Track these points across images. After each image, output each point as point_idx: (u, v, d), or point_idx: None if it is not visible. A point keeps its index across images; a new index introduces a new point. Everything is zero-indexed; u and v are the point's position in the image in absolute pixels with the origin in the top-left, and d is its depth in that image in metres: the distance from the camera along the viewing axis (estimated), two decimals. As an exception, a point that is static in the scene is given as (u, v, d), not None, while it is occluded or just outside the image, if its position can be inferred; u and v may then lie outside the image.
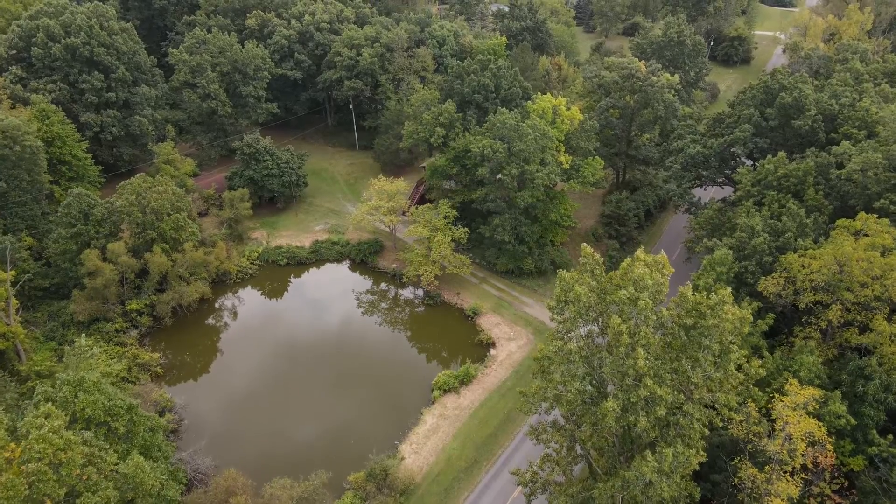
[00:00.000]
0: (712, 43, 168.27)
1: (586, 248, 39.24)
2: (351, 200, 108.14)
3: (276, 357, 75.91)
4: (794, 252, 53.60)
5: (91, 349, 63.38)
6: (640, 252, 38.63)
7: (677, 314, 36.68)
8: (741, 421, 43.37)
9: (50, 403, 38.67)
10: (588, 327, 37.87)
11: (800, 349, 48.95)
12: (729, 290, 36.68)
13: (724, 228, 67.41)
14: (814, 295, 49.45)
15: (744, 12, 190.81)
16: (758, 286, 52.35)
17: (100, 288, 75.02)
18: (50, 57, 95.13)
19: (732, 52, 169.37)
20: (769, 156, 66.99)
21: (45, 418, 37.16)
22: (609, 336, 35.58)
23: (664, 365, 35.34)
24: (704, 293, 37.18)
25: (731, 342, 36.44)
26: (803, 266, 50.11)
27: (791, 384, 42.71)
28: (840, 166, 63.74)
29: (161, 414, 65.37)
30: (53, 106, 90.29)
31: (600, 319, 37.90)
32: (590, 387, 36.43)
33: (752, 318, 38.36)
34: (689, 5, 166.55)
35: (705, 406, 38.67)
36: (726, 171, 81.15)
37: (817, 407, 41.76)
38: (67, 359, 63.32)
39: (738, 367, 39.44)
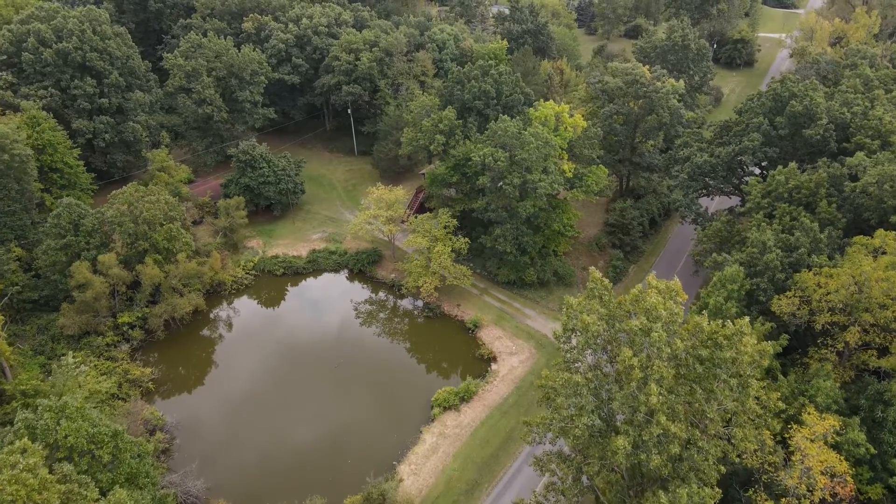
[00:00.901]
0: (715, 45, 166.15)
1: (594, 272, 37.09)
2: (349, 208, 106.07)
3: (271, 372, 73.80)
4: (809, 269, 51.47)
5: (78, 367, 61.31)
6: (651, 277, 36.47)
7: (692, 344, 34.51)
8: (755, 450, 41.26)
9: (26, 439, 36.52)
10: (596, 356, 35.69)
11: (816, 372, 46.85)
12: (747, 319, 34.56)
13: (732, 241, 65.33)
14: (830, 316, 47.35)
15: (747, 14, 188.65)
16: (771, 305, 50.22)
17: (90, 301, 72.90)
18: (41, 62, 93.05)
19: (736, 55, 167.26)
20: (779, 166, 64.87)
21: (21, 454, 35.08)
22: (619, 368, 33.42)
23: (678, 398, 33.22)
24: (720, 322, 34.99)
25: (749, 375, 34.29)
26: (819, 286, 48.00)
27: (809, 413, 40.59)
28: (854, 178, 61.63)
29: (152, 433, 63.35)
30: (44, 112, 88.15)
31: (609, 347, 35.75)
32: (598, 420, 34.30)
33: (771, 351, 36.16)
34: (692, 8, 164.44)
35: (720, 438, 36.59)
36: (734, 181, 79.08)
37: (838, 439, 39.63)
38: (54, 377, 61.43)
39: (756, 399, 37.34)
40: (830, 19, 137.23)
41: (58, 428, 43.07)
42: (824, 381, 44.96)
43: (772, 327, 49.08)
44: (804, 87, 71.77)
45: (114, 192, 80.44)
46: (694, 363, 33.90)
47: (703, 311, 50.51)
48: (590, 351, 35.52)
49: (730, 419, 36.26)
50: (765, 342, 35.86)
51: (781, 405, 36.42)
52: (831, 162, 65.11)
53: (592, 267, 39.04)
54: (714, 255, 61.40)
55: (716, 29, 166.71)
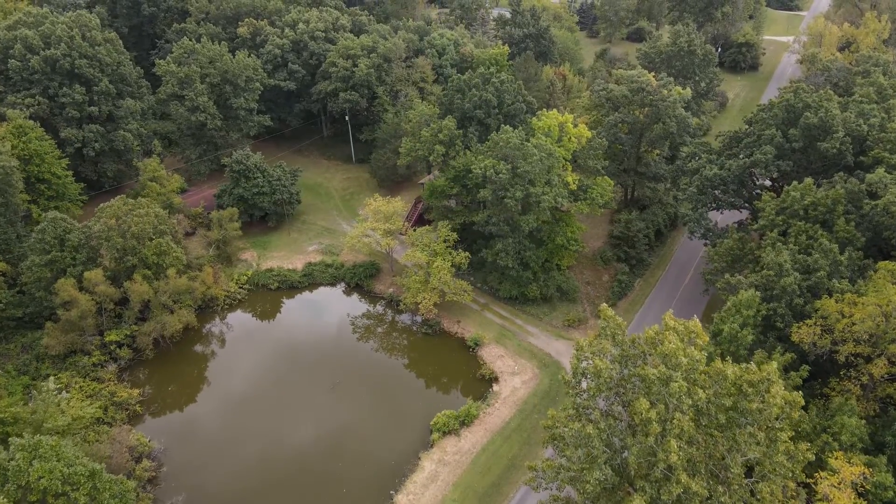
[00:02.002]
0: (719, 49, 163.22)
1: (606, 309, 34.27)
2: (346, 218, 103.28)
3: (264, 393, 70.98)
4: (830, 295, 48.66)
5: (60, 393, 58.52)
6: (668, 316, 33.63)
7: (714, 392, 31.63)
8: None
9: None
10: (609, 402, 32.83)
11: (839, 407, 43.99)
12: (774, 365, 31.74)
13: (745, 260, 62.51)
14: (854, 346, 44.54)
15: (751, 17, 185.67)
16: (790, 334, 47.38)
17: (75, 320, 70.09)
18: (28, 69, 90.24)
19: (740, 59, 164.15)
20: (794, 182, 62.04)
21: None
22: (634, 419, 30.56)
23: (698, 450, 30.39)
24: (744, 365, 32.14)
25: (778, 428, 31.44)
26: (842, 314, 45.16)
27: (836, 457, 37.76)
28: (872, 195, 58.80)
29: (138, 460, 60.63)
30: (31, 122, 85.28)
31: (621, 390, 32.91)
32: (610, 471, 31.50)
33: (802, 402, 33.19)
34: (696, 11, 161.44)
35: (742, 489, 33.74)
36: (744, 193, 76.18)
37: (869, 488, 36.80)
38: (35, 403, 58.51)
39: (785, 453, 34.46)
40: (839, 24, 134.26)
41: (30, 469, 40.35)
42: (849, 417, 42.13)
43: (792, 358, 46.22)
44: (818, 97, 68.94)
45: (101, 205, 77.73)
46: (716, 412, 31.09)
47: (717, 338, 47.93)
48: (602, 398, 32.69)
49: (752, 467, 33.44)
50: (794, 392, 32.92)
51: (811, 456, 33.61)
52: (848, 177, 62.35)
53: (604, 304, 36.17)
54: (727, 276, 58.53)
55: (720, 32, 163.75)
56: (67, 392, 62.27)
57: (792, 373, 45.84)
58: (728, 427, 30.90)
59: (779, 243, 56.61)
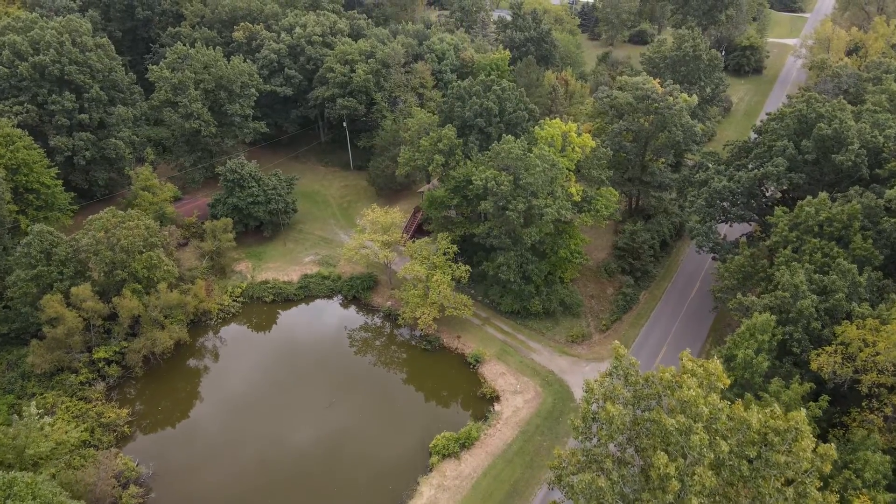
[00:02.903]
0: (723, 52, 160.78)
1: (619, 347, 31.84)
2: (344, 227, 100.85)
3: (258, 412, 68.49)
4: (850, 320, 46.23)
5: (42, 417, 56.07)
6: (686, 357, 31.14)
7: (736, 441, 29.21)
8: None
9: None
10: (621, 447, 30.41)
11: (861, 441, 41.59)
12: (803, 412, 29.33)
13: (756, 278, 60.05)
14: (878, 376, 42.13)
15: (754, 19, 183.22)
16: (808, 361, 44.96)
17: (61, 337, 67.66)
18: (16, 76, 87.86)
19: (744, 62, 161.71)
20: (808, 196, 59.58)
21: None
22: (652, 473, 28.11)
23: (720, 501, 27.98)
24: (768, 410, 29.73)
25: (808, 483, 29.01)
26: (865, 343, 42.74)
27: (862, 500, 35.35)
28: (890, 211, 56.36)
29: (125, 486, 58.22)
30: (19, 130, 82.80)
31: (634, 435, 30.46)
32: (624, 523, 29.19)
33: (835, 456, 30.62)
34: (699, 14, 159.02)
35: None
36: (753, 205, 73.74)
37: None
38: (16, 428, 56.04)
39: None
40: (845, 27, 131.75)
41: (3, 510, 37.95)
42: (872, 453, 39.72)
43: (811, 388, 43.80)
44: (832, 107, 66.50)
45: (90, 217, 75.40)
46: (740, 464, 28.68)
47: (731, 364, 45.55)
48: (615, 444, 30.28)
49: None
50: (825, 444, 30.45)
51: (841, 508, 31.29)
52: (864, 191, 59.91)
53: (617, 341, 33.72)
54: (739, 296, 56.04)
55: (723, 35, 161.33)
56: (52, 414, 59.82)
57: (811, 403, 43.46)
58: (752, 478, 28.53)
59: (794, 262, 54.15)
